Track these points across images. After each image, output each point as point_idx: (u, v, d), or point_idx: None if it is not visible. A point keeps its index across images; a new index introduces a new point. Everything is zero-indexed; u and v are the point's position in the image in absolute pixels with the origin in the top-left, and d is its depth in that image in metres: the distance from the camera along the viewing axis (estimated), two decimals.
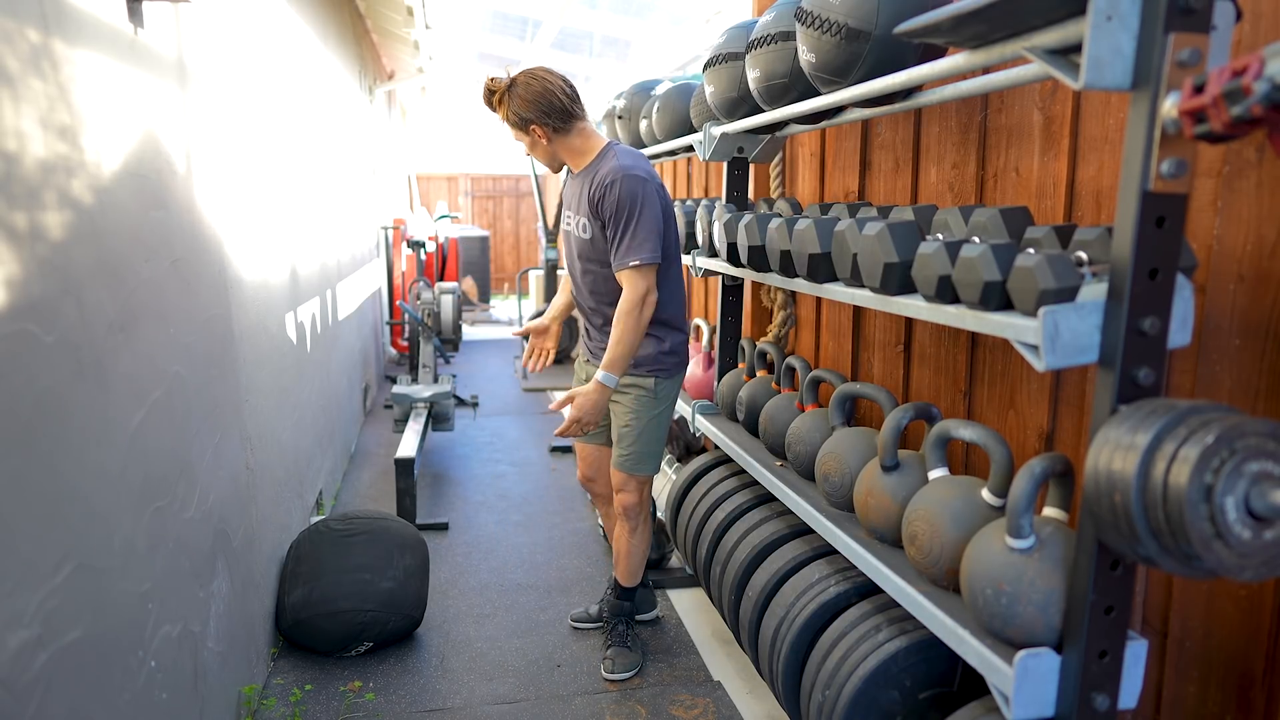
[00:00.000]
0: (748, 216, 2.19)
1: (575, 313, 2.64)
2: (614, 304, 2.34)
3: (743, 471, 2.65)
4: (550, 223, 7.23)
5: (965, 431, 1.57)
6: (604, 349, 2.40)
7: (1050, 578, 1.28)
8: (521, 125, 2.29)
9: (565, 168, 2.46)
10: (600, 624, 2.71)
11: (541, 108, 2.25)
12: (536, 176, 7.83)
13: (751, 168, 2.76)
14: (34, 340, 1.19)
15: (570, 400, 2.27)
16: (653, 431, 2.40)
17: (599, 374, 2.25)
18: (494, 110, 2.35)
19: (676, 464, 3.65)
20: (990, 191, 1.88)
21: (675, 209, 2.93)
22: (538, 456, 4.66)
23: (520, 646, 2.65)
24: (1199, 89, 0.99)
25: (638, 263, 2.21)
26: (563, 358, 6.68)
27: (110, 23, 1.52)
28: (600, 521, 2.77)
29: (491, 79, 2.32)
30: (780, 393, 2.44)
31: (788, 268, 1.99)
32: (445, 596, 2.98)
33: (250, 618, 2.31)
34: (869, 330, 2.43)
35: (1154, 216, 1.10)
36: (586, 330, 2.56)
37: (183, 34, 1.92)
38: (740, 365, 2.79)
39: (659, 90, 3.26)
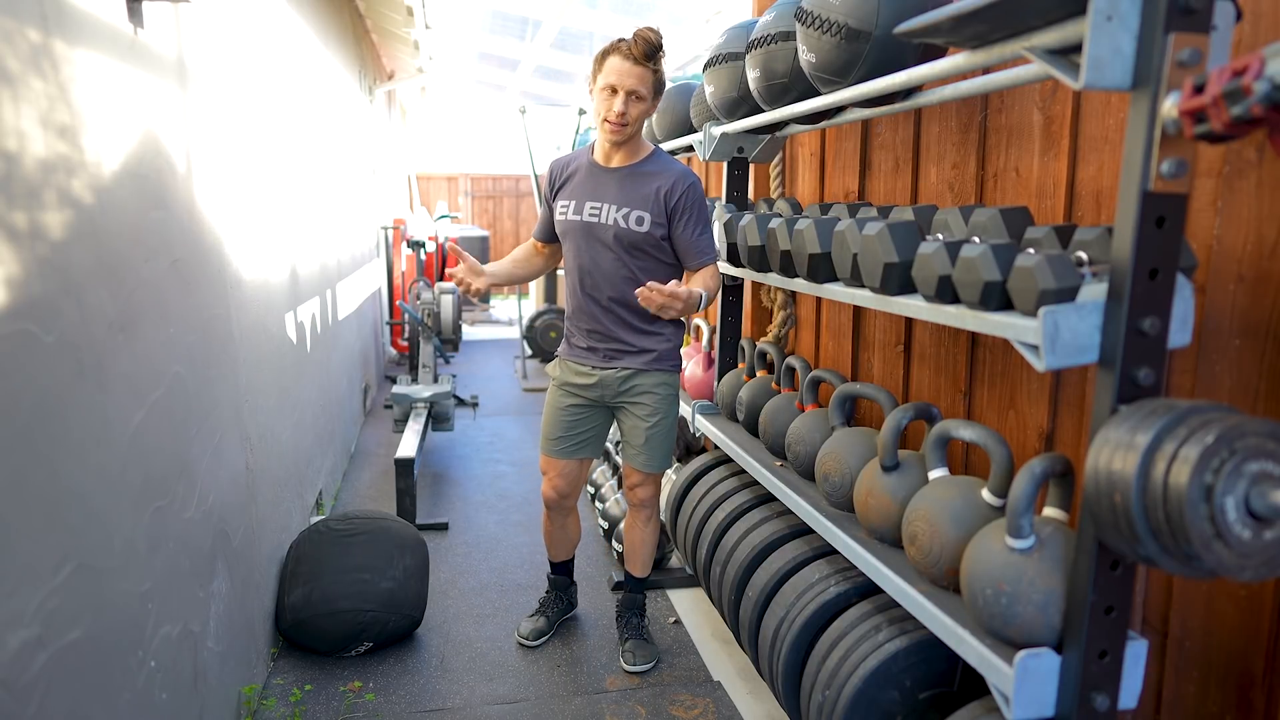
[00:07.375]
0: (748, 216, 2.19)
1: (569, 312, 2.48)
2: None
3: (743, 472, 2.65)
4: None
5: (965, 431, 1.57)
6: (616, 350, 2.37)
7: (1050, 578, 1.28)
8: (659, 90, 2.28)
9: (574, 162, 2.39)
10: (546, 636, 2.71)
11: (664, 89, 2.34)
12: (536, 176, 7.82)
13: (751, 168, 2.76)
14: (34, 340, 1.19)
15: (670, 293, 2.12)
16: (675, 425, 2.49)
17: (697, 289, 2.20)
18: (645, 62, 2.18)
19: (676, 464, 3.65)
20: (990, 191, 1.88)
21: None
22: (538, 456, 4.64)
23: (520, 646, 2.65)
24: (1199, 89, 0.99)
25: (715, 258, 2.36)
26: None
27: (110, 23, 1.52)
28: (550, 528, 2.74)
29: (656, 31, 2.20)
30: (780, 393, 2.44)
31: (788, 268, 1.99)
32: (445, 596, 2.98)
33: (250, 618, 2.31)
34: (869, 330, 2.43)
35: (1154, 216, 1.10)
36: (585, 330, 2.41)
37: (183, 34, 1.92)
38: (740, 365, 2.79)
39: None
